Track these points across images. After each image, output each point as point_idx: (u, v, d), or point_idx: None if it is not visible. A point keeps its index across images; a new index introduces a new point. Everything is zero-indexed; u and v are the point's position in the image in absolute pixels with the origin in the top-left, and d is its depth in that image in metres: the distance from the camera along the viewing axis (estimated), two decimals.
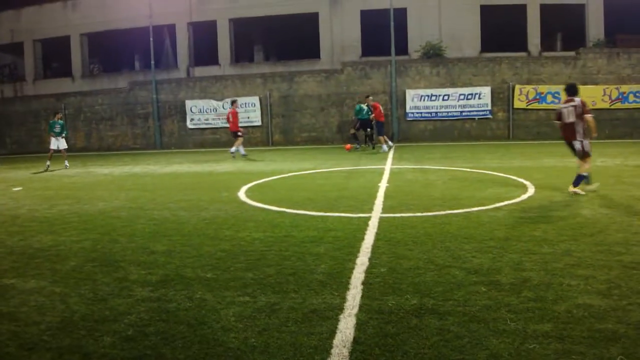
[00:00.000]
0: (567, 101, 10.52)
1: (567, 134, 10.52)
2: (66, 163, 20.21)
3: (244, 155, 20.88)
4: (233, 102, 22.30)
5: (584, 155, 10.31)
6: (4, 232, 8.79)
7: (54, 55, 35.76)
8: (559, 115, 10.58)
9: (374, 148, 22.14)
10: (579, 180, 10.22)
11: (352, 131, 23.08)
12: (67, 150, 20.81)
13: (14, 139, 28.61)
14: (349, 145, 22.46)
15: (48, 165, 19.85)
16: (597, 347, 3.88)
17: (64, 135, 20.75)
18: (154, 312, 4.90)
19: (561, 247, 6.51)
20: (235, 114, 21.54)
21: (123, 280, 5.88)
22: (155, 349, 4.15)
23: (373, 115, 21.88)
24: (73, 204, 11.40)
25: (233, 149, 21.22)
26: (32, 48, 34.46)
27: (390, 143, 21.77)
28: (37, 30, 33.79)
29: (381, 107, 22.26)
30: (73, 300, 5.34)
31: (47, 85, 33.46)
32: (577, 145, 10.33)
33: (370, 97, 23.40)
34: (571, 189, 10.22)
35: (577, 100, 10.37)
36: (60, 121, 20.75)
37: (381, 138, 21.66)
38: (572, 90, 10.56)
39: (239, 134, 21.32)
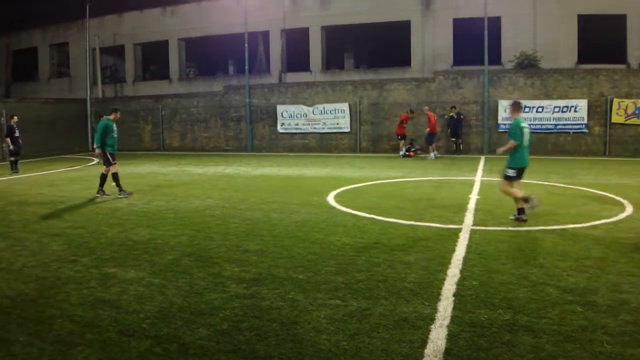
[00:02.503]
0: None
1: None
2: None
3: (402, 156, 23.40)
4: (411, 111, 24.20)
5: None
6: (105, 224, 9.30)
7: (153, 59, 37.28)
8: None
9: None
10: None
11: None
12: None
13: None
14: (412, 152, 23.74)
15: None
16: None
17: None
18: (247, 308, 5.06)
19: None
20: (405, 118, 23.64)
21: (218, 275, 6.10)
22: (249, 344, 4.29)
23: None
24: (169, 200, 11.89)
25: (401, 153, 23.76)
26: (133, 51, 36.13)
27: (432, 155, 22.77)
28: (138, 35, 35.41)
29: (435, 118, 23.39)
30: (171, 292, 5.60)
31: (146, 87, 34.98)
32: None
33: (455, 107, 24.37)
34: None
35: None
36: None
37: (430, 147, 22.85)
38: None
39: (399, 137, 23.78)
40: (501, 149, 9.53)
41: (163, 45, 34.71)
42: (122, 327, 4.69)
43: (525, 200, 9.20)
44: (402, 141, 23.76)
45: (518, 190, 9.35)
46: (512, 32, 27.43)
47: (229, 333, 4.51)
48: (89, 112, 31.26)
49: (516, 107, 9.70)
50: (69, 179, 16.68)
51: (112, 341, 4.42)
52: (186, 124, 30.33)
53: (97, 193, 12.73)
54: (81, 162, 23.14)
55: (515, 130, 9.24)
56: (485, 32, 24.71)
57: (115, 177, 12.74)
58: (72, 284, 5.90)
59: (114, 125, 12.96)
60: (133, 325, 4.74)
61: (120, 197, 12.35)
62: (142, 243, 7.82)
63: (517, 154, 9.26)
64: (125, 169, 19.89)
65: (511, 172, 9.32)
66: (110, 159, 12.73)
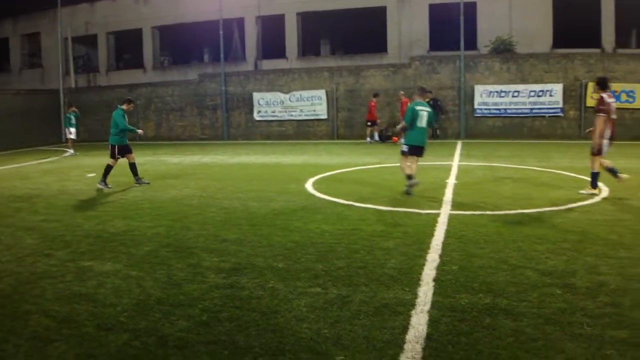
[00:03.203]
0: (610, 96, 10.08)
1: (613, 128, 10.12)
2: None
3: (370, 142, 23.58)
4: (375, 95, 24.38)
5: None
6: (81, 216, 9.16)
7: (126, 47, 36.77)
8: (608, 109, 9.89)
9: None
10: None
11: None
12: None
13: (86, 127, 29.44)
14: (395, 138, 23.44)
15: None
16: None
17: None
18: (227, 298, 5.01)
19: (638, 252, 6.31)
20: (372, 106, 23.80)
21: (196, 266, 6.03)
22: (229, 335, 4.24)
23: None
24: (145, 190, 11.76)
25: (368, 139, 23.96)
26: (106, 40, 35.58)
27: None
28: (111, 23, 34.83)
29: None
30: (148, 284, 5.52)
31: (119, 76, 34.50)
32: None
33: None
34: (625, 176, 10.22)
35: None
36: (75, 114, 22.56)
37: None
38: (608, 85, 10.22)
39: (369, 123, 23.93)
40: (398, 127, 11.11)
41: (136, 34, 34.24)
42: (100, 321, 4.60)
43: (408, 177, 10.46)
44: (371, 128, 24.00)
45: (409, 167, 10.50)
46: (488, 17, 27.54)
47: (209, 324, 4.46)
48: (61, 102, 30.71)
49: (419, 92, 11.12)
50: (42, 171, 16.42)
51: (89, 336, 4.33)
52: (161, 113, 29.98)
53: (136, 183, 12.65)
54: (55, 153, 22.81)
55: (407, 113, 10.58)
56: (462, 17, 24.74)
57: (108, 169, 12.57)
58: (48, 278, 5.79)
59: (125, 116, 12.86)
60: (110, 319, 4.65)
61: (99, 187, 12.22)
62: (118, 235, 7.71)
63: (411, 133, 10.55)
64: (100, 159, 19.64)
65: (404, 148, 10.65)
66: (116, 151, 12.67)
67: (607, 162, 10.23)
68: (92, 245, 7.16)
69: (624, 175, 10.17)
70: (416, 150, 10.57)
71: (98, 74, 35.71)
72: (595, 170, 10.15)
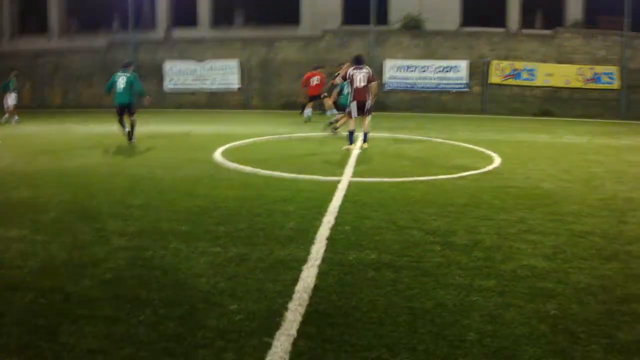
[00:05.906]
0: (356, 68, 12.63)
1: (361, 95, 12.56)
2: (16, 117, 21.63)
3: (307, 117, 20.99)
4: (315, 68, 21.79)
5: (369, 112, 12.93)
6: None
7: (31, 11, 35.07)
8: (351, 79, 12.62)
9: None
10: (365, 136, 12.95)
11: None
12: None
13: None
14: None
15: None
16: (534, 303, 4.27)
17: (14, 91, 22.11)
18: (131, 259, 5.21)
19: (516, 215, 6.90)
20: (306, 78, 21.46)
21: (101, 230, 6.16)
22: (132, 290, 4.47)
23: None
24: (52, 159, 11.56)
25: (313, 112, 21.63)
26: (9, 3, 33.79)
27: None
28: None
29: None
30: (54, 247, 5.61)
31: (24, 42, 32.90)
32: (369, 104, 12.74)
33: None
34: (365, 145, 12.75)
35: (367, 68, 12.83)
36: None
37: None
38: (361, 61, 12.94)
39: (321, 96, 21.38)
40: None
41: None
42: (6, 282, 4.67)
43: (332, 124, 15.13)
44: (311, 103, 21.53)
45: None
46: None
47: (112, 282, 4.65)
48: None
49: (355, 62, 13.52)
50: None
51: None
52: (69, 81, 29.05)
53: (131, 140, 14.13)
54: None
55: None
56: None
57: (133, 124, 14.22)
58: None
59: None
60: (16, 280, 4.73)
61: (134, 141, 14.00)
62: (23, 203, 7.63)
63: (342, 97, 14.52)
64: (3, 129, 18.95)
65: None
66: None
67: (351, 128, 12.78)
68: None
69: (351, 147, 12.55)
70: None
71: (2, 39, 33.89)
72: (350, 129, 12.74)
